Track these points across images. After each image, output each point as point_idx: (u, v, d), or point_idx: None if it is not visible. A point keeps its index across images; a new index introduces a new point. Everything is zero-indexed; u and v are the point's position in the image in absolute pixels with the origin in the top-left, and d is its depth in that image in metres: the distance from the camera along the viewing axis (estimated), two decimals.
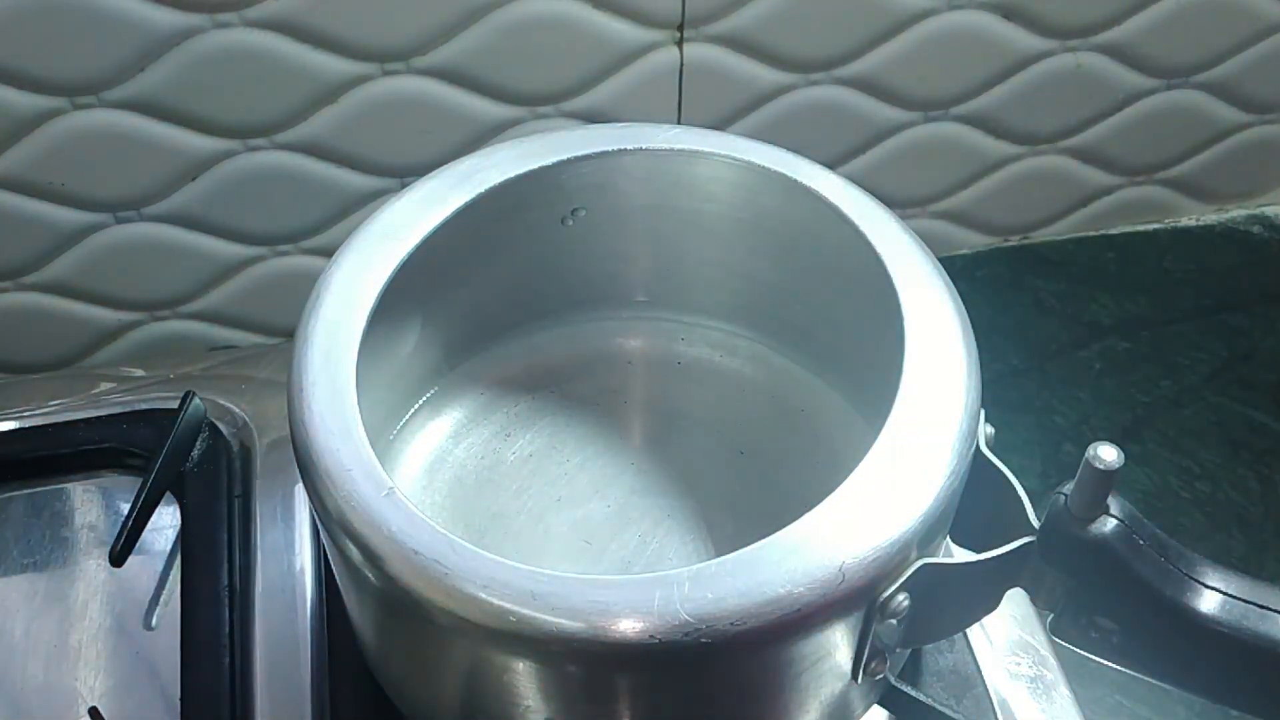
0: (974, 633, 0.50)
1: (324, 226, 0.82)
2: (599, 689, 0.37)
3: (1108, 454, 0.35)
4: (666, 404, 0.52)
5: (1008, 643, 0.51)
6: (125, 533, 0.49)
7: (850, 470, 0.37)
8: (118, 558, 0.49)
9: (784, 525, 0.36)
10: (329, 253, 0.44)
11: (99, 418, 0.55)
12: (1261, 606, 0.36)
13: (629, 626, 0.33)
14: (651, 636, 0.33)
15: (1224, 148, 0.92)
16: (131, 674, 0.48)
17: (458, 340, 0.51)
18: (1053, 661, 0.50)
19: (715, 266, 0.52)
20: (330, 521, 0.37)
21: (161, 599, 0.50)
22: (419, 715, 0.45)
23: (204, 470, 0.53)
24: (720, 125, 0.84)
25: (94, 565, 0.52)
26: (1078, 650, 0.40)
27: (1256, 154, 0.92)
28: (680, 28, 0.77)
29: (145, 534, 0.50)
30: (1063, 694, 0.49)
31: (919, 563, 0.36)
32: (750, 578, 0.34)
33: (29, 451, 0.55)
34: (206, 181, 0.76)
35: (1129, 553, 0.37)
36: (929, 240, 0.45)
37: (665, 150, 0.47)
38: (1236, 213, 0.83)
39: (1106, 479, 0.35)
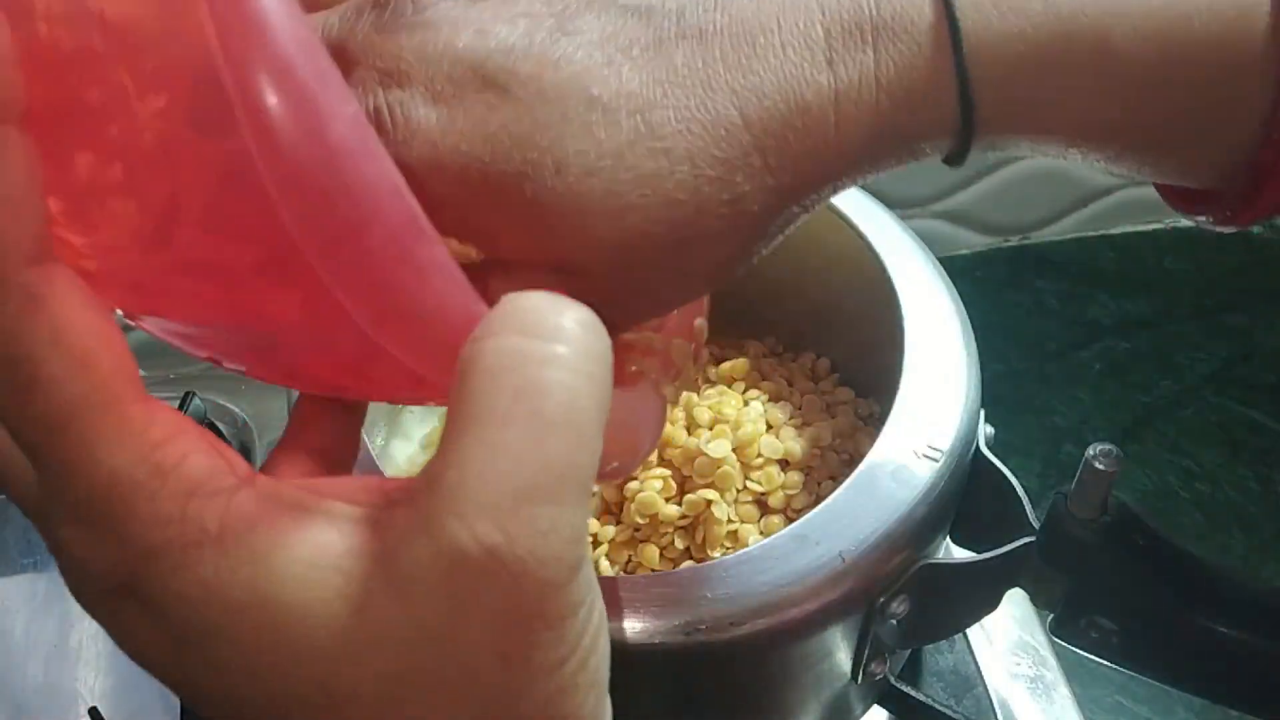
0: (974, 633, 0.50)
1: None
2: None
3: (1107, 455, 0.35)
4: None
5: (1008, 643, 0.51)
6: None
7: (850, 470, 0.37)
8: None
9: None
10: None
11: None
12: (1260, 607, 0.36)
13: (629, 626, 0.33)
14: (651, 636, 0.33)
15: None
16: (131, 674, 0.48)
17: None
18: (1053, 661, 0.50)
19: None
20: None
21: None
22: None
23: None
24: None
25: None
26: (1078, 650, 0.40)
27: None
28: None
29: None
30: (1063, 694, 0.49)
31: (919, 563, 0.36)
32: (750, 578, 0.34)
33: None
34: None
35: (1129, 553, 0.37)
36: (929, 240, 0.45)
37: None
38: None
39: (1106, 479, 0.35)
